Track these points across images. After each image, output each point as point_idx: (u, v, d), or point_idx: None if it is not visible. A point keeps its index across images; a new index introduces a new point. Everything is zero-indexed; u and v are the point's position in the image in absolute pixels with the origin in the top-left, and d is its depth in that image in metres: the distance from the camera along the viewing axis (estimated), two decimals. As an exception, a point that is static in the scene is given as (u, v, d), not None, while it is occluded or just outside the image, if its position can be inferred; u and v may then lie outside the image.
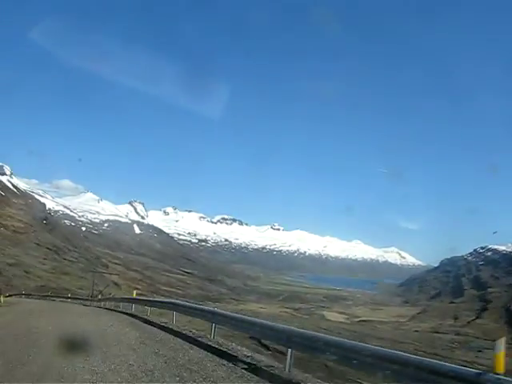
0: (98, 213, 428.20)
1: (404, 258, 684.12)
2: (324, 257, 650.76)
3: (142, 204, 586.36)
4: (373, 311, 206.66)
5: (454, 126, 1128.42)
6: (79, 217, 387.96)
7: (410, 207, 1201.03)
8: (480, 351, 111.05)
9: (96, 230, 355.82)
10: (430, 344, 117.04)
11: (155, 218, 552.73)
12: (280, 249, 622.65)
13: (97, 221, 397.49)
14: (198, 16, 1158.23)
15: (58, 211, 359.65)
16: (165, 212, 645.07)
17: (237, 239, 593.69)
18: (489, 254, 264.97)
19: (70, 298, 70.04)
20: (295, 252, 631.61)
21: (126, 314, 28.09)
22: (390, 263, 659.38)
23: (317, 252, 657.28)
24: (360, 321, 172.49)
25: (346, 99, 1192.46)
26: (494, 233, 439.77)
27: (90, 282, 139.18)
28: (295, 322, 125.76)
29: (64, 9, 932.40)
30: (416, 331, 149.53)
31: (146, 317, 24.85)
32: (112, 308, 36.76)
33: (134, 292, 31.67)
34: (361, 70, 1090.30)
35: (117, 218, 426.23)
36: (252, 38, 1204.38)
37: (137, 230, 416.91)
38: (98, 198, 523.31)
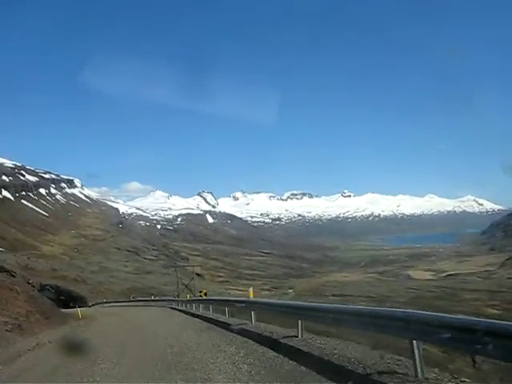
0: (169, 209, 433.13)
1: (482, 204, 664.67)
2: (399, 216, 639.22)
3: (211, 193, 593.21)
4: (459, 264, 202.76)
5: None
6: (152, 216, 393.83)
7: (479, 153, 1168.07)
8: None
9: (170, 225, 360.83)
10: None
11: (226, 205, 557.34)
12: (354, 215, 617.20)
13: (170, 217, 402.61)
14: None
15: (132, 214, 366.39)
16: (234, 197, 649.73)
17: (309, 212, 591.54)
18: None
19: (154, 299, 66.36)
20: (369, 216, 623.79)
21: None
22: (468, 212, 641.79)
23: (391, 212, 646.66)
24: (447, 275, 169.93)
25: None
26: None
27: (174, 278, 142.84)
28: (383, 286, 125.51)
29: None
30: (509, 278, 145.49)
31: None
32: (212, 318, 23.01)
33: (251, 290, 18.10)
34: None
35: (189, 211, 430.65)
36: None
37: (210, 220, 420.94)
38: (167, 194, 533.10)
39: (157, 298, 68.05)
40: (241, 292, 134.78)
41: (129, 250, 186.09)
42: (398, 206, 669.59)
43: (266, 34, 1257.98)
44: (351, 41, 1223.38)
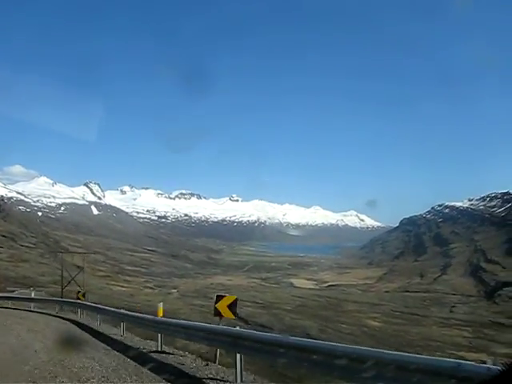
0: (53, 197, 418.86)
1: (363, 220, 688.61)
2: (284, 225, 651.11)
3: (98, 184, 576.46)
4: (339, 275, 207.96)
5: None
6: (34, 202, 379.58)
7: (366, 171, 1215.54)
8: (454, 306, 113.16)
9: (53, 214, 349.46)
10: (404, 303, 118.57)
11: (112, 198, 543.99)
12: (240, 220, 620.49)
13: (53, 205, 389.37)
14: None
15: (12, 198, 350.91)
16: (122, 191, 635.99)
17: (196, 213, 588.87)
18: (446, 210, 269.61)
19: (14, 298, 43.21)
20: (255, 222, 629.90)
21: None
22: (350, 227, 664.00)
23: (277, 220, 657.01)
24: (329, 285, 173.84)
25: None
26: None
27: (52, 268, 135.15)
28: (268, 293, 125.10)
29: None
30: (387, 291, 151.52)
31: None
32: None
33: (160, 306, 15.77)
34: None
35: (73, 201, 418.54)
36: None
37: (95, 211, 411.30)
38: (51, 181, 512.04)
39: (17, 295, 49.02)
40: (123, 289, 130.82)
41: (4, 236, 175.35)
42: (285, 215, 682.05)
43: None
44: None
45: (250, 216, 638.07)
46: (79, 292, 37.89)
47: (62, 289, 61.23)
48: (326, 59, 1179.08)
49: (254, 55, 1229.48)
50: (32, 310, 35.91)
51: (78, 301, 31.59)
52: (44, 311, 33.95)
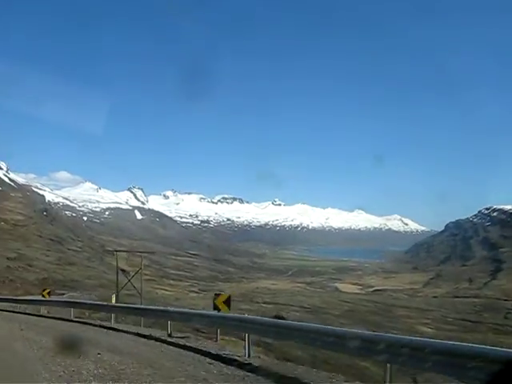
0: (98, 202, 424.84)
1: (407, 224, 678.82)
2: (327, 229, 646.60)
3: (142, 190, 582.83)
4: (385, 280, 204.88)
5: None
6: (79, 207, 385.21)
7: (410, 172, 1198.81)
8: (509, 313, 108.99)
9: (97, 218, 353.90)
10: (455, 309, 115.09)
11: (156, 203, 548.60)
12: (283, 224, 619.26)
13: (97, 210, 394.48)
14: None
15: (58, 203, 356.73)
16: (165, 196, 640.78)
17: (239, 217, 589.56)
18: (495, 214, 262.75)
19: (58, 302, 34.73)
20: (298, 226, 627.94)
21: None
22: (394, 231, 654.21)
23: (320, 225, 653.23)
24: (375, 290, 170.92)
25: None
26: None
27: (98, 272, 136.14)
28: (314, 297, 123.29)
29: None
30: (435, 297, 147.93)
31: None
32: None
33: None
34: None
35: (117, 206, 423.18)
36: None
37: (138, 216, 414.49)
38: (96, 187, 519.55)
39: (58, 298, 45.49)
40: (168, 292, 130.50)
41: (52, 239, 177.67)
42: (327, 219, 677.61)
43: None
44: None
45: (292, 220, 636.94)
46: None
47: (118, 292, 57.52)
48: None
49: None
50: (72, 319, 26.99)
51: (141, 306, 29.02)
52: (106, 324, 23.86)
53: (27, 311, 33.08)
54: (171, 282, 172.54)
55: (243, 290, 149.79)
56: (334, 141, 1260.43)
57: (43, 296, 32.72)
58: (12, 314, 31.65)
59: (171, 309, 21.41)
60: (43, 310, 33.85)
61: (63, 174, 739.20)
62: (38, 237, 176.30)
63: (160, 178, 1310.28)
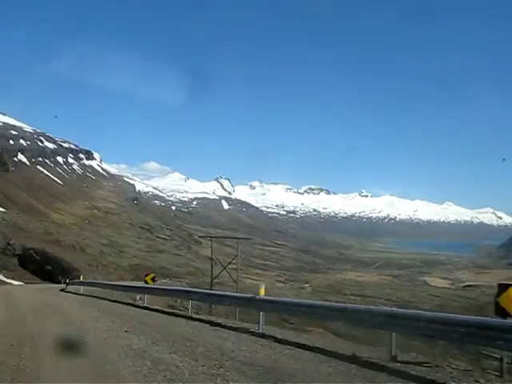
0: (185, 191, 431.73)
1: (500, 218, 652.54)
2: (415, 221, 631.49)
3: (228, 180, 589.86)
4: (477, 275, 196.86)
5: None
6: (168, 196, 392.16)
7: (503, 164, 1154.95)
8: None
9: (185, 208, 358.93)
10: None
11: (242, 193, 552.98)
12: (369, 215, 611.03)
13: (185, 199, 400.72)
14: None
15: (148, 192, 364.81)
16: (251, 186, 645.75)
17: (325, 208, 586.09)
18: None
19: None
20: (385, 218, 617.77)
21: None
22: (486, 224, 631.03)
23: (407, 217, 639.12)
24: (466, 286, 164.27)
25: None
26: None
27: (186, 260, 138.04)
28: (403, 291, 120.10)
29: None
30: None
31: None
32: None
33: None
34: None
35: (205, 196, 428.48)
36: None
37: (225, 206, 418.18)
38: (184, 177, 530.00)
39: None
40: (255, 282, 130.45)
41: (142, 227, 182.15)
42: (415, 211, 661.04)
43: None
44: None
45: (379, 212, 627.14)
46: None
47: (212, 280, 55.42)
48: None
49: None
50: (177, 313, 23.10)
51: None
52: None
53: (120, 299, 28.70)
54: (258, 271, 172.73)
55: (330, 281, 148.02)
56: (423, 132, 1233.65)
57: (146, 282, 27.08)
58: (108, 303, 27.02)
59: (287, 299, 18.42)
60: (138, 299, 31.25)
61: (153, 165, 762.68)
62: (128, 224, 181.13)
63: (247, 168, 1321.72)
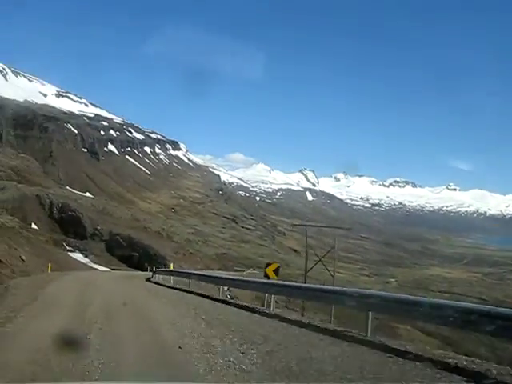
0: (270, 183, 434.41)
1: None
2: (508, 217, 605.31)
3: (313, 171, 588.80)
4: None
5: None
6: (252, 187, 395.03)
7: None
8: None
9: (269, 198, 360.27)
10: None
11: (326, 185, 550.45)
12: (457, 210, 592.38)
13: (270, 190, 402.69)
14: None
15: (232, 183, 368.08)
16: (335, 178, 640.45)
17: (411, 202, 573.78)
18: None
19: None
20: (474, 213, 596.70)
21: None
22: None
23: (498, 212, 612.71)
24: None
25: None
26: None
27: (270, 250, 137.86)
28: (495, 289, 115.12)
29: None
30: None
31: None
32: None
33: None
34: None
35: (289, 187, 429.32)
36: None
37: (309, 197, 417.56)
38: (269, 168, 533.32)
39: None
40: (340, 275, 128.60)
41: (226, 217, 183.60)
42: (507, 206, 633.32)
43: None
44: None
45: (468, 206, 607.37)
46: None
47: (306, 272, 46.78)
48: None
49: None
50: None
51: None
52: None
53: (211, 294, 22.76)
54: (342, 264, 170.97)
55: (416, 276, 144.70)
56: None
57: (266, 276, 19.98)
58: (202, 299, 20.56)
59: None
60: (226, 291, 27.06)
61: (238, 156, 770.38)
62: (213, 214, 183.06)
63: (331, 160, 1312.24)
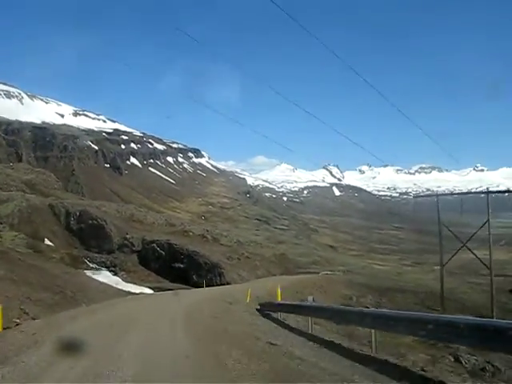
0: (295, 182, 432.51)
1: None
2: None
3: (337, 166, 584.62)
4: None
5: None
6: (278, 188, 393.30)
7: None
8: None
9: (297, 198, 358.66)
10: None
11: (352, 178, 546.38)
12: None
13: (296, 189, 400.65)
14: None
15: (258, 185, 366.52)
16: (360, 171, 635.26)
17: (439, 187, 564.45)
18: None
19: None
20: (505, 192, 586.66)
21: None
22: None
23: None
24: None
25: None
26: None
27: (306, 249, 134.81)
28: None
29: None
30: None
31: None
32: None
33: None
34: None
35: (314, 184, 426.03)
36: None
37: (336, 192, 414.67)
38: (292, 167, 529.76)
39: None
40: (382, 267, 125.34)
41: (258, 219, 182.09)
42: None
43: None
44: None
45: (498, 186, 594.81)
46: None
47: (442, 265, 37.15)
48: None
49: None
50: None
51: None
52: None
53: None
54: (380, 256, 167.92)
55: (460, 261, 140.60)
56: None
57: None
58: None
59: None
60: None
61: (260, 159, 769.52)
62: (244, 218, 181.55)
63: (353, 153, 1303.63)
